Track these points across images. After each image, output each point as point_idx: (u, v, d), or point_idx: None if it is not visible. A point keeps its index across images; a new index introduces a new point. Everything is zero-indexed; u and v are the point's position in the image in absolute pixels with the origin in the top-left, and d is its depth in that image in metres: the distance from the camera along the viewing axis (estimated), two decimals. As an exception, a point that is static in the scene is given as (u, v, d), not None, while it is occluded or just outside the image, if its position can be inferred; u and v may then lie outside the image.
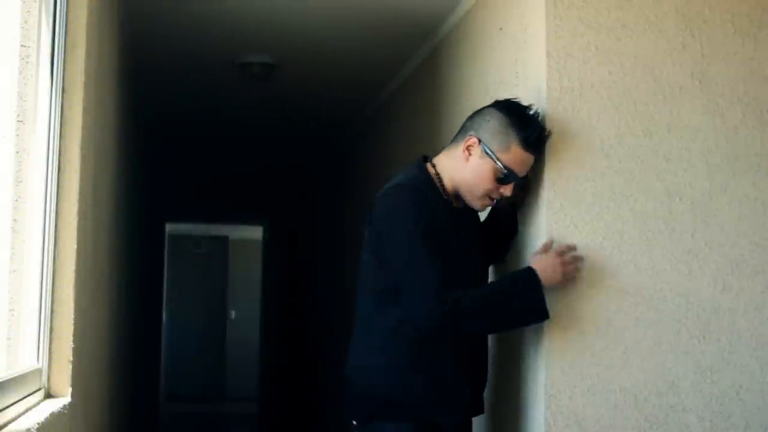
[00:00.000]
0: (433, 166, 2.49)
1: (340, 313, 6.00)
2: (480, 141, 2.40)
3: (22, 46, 1.92)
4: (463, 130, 2.48)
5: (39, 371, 2.05)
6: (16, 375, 1.82)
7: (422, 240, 2.33)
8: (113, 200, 3.37)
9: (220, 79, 4.67)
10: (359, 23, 3.74)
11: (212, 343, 12.72)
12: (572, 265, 2.41)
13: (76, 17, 2.20)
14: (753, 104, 2.57)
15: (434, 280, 2.29)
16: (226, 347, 12.84)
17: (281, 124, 5.97)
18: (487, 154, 2.38)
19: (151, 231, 7.51)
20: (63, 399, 2.10)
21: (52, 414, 1.86)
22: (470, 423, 2.55)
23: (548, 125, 2.46)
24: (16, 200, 1.91)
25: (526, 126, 2.37)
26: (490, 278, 2.78)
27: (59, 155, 2.14)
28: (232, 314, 12.97)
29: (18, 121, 1.91)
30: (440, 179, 2.46)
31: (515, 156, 2.37)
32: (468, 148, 2.42)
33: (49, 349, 2.11)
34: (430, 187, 2.44)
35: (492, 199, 2.45)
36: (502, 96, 2.83)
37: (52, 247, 2.10)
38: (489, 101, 2.97)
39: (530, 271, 2.38)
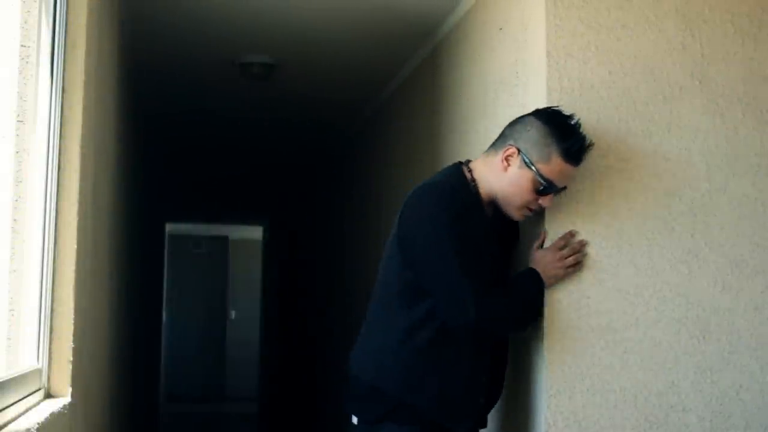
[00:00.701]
0: (470, 171, 2.44)
1: (340, 313, 6.00)
2: (519, 151, 2.34)
3: (22, 46, 1.92)
4: (502, 138, 2.42)
5: (39, 371, 2.05)
6: (16, 375, 1.82)
7: (458, 239, 2.30)
8: (113, 200, 3.37)
9: (220, 79, 4.67)
10: (359, 23, 3.74)
11: (212, 343, 12.72)
12: (572, 257, 2.41)
13: (76, 17, 2.20)
14: (753, 104, 2.57)
15: (469, 282, 2.27)
16: (226, 347, 12.84)
17: (281, 124, 5.97)
18: (527, 164, 2.33)
19: (151, 231, 7.51)
20: (63, 399, 2.10)
21: (52, 414, 1.86)
22: None
23: (548, 125, 2.46)
24: (16, 200, 1.91)
25: (568, 137, 2.32)
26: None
27: (59, 155, 2.14)
28: (232, 314, 12.97)
29: (18, 121, 1.91)
30: (475, 185, 2.42)
31: (555, 167, 2.32)
32: (507, 158, 2.36)
33: (49, 349, 2.11)
34: (465, 191, 2.40)
35: (530, 210, 2.40)
36: (503, 96, 2.83)
37: (52, 247, 2.10)
38: (489, 101, 2.98)
39: (533, 272, 2.39)
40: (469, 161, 2.48)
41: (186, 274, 12.55)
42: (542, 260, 2.40)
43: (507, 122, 2.72)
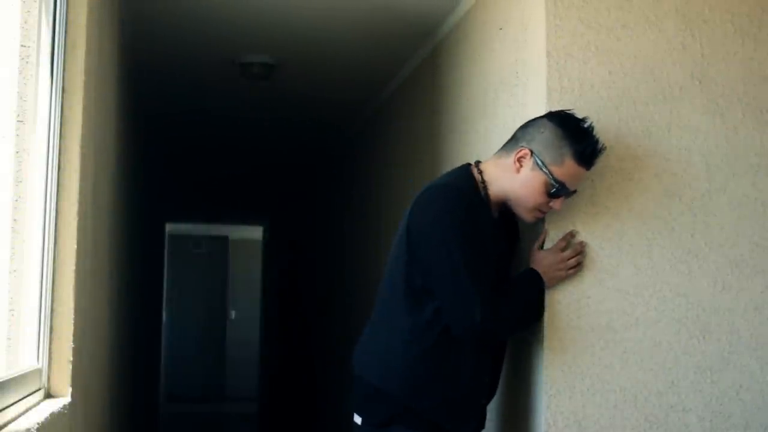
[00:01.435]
0: (480, 172, 2.44)
1: (340, 313, 6.00)
2: (532, 153, 2.33)
3: (22, 46, 1.92)
4: (514, 140, 2.41)
5: (39, 371, 2.05)
6: (16, 375, 1.82)
7: (466, 242, 2.29)
8: (113, 200, 3.37)
9: (220, 79, 4.67)
10: (359, 23, 3.74)
11: (212, 343, 12.71)
12: (573, 259, 2.41)
13: (76, 17, 2.20)
14: (753, 104, 2.57)
15: (476, 286, 2.27)
16: (226, 347, 12.84)
17: (281, 124, 5.97)
18: (540, 166, 2.33)
19: (151, 231, 7.50)
20: (63, 399, 2.10)
21: (52, 414, 1.86)
22: None
23: (548, 125, 2.46)
24: (16, 200, 1.91)
25: (581, 139, 2.31)
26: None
27: (59, 155, 2.14)
28: (232, 314, 12.97)
29: (18, 121, 1.91)
30: (485, 186, 2.42)
31: (568, 170, 2.32)
32: (519, 160, 2.35)
33: (49, 349, 2.11)
34: (474, 192, 2.39)
35: (542, 212, 2.40)
36: (503, 96, 2.83)
37: (52, 247, 2.10)
38: (489, 101, 2.98)
39: (534, 274, 2.39)
40: (479, 162, 2.48)
41: (186, 274, 12.55)
42: (543, 261, 2.39)
43: (507, 122, 2.72)
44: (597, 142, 2.34)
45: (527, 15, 2.65)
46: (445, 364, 2.35)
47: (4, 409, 1.67)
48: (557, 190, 2.33)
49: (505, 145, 2.44)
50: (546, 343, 2.42)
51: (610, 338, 2.44)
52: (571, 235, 2.43)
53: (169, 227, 10.80)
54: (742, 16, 2.59)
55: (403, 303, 2.39)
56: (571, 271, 2.42)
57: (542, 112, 2.47)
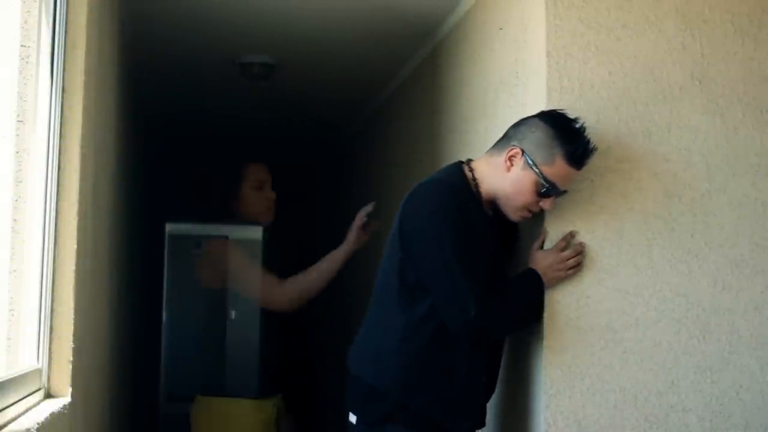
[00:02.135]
0: (471, 170, 2.45)
1: (340, 313, 6.00)
2: (523, 152, 2.34)
3: (22, 46, 1.92)
4: (505, 139, 2.42)
5: (39, 371, 2.05)
6: (16, 375, 1.82)
7: (459, 238, 2.30)
8: (113, 200, 3.37)
9: (220, 79, 4.67)
10: (359, 23, 3.74)
11: (212, 343, 12.68)
12: (573, 260, 2.41)
13: (76, 17, 2.20)
14: (753, 104, 2.57)
15: (469, 282, 2.27)
16: (226, 347, 12.80)
17: (281, 124, 5.97)
18: (530, 166, 2.33)
19: (151, 231, 7.50)
20: (63, 399, 2.10)
21: (52, 414, 1.86)
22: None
23: (548, 125, 2.46)
24: (16, 200, 1.91)
25: (573, 140, 2.32)
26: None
27: (59, 155, 2.14)
28: (232, 314, 12.94)
29: (18, 121, 1.90)
30: (476, 184, 2.42)
31: (559, 170, 2.33)
32: (510, 159, 2.36)
33: (49, 349, 2.11)
34: (466, 190, 2.40)
35: (530, 212, 2.41)
36: (503, 96, 2.83)
37: (52, 247, 2.09)
38: (489, 101, 2.98)
39: (534, 274, 2.38)
40: (470, 160, 2.48)
41: (186, 274, 12.53)
42: (543, 262, 2.39)
43: (507, 122, 2.72)
44: (588, 142, 2.34)
45: (527, 15, 2.65)
46: (440, 361, 2.35)
47: (4, 409, 1.67)
48: (547, 190, 2.34)
49: (496, 144, 2.45)
50: (546, 343, 2.42)
51: (610, 338, 2.44)
52: (571, 235, 2.43)
53: (169, 227, 10.79)
54: (742, 16, 2.59)
55: (396, 300, 2.39)
56: (570, 272, 2.41)
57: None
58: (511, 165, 2.36)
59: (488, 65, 3.03)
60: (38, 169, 2.04)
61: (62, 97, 2.15)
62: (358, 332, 2.55)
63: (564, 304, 2.43)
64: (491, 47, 3.00)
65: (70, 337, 2.13)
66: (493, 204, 2.44)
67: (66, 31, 2.18)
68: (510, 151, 2.36)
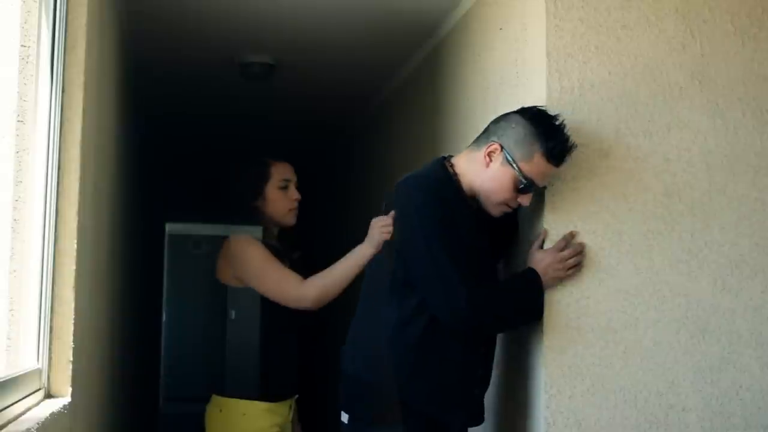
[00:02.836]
0: (451, 165, 2.46)
1: (339, 313, 6.00)
2: (502, 148, 2.35)
3: (22, 46, 1.92)
4: (486, 134, 2.43)
5: (39, 371, 2.05)
6: (16, 375, 1.82)
7: (446, 231, 2.31)
8: (113, 200, 3.37)
9: (220, 79, 4.67)
10: (359, 23, 3.74)
11: (212, 343, 12.68)
12: (573, 260, 2.41)
13: (76, 17, 2.20)
14: (753, 104, 2.57)
15: (459, 273, 2.28)
16: (226, 347, 12.79)
17: (281, 124, 5.97)
18: (509, 162, 2.34)
19: (151, 231, 7.50)
20: (63, 399, 2.10)
21: (52, 414, 1.85)
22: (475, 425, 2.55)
23: (548, 125, 2.46)
24: (16, 200, 1.91)
25: (552, 137, 2.32)
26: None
27: (59, 155, 2.14)
28: (232, 314, 12.93)
29: (18, 121, 1.90)
30: (457, 180, 2.43)
31: (537, 167, 2.33)
32: (489, 154, 2.37)
33: (49, 349, 2.10)
34: (449, 186, 2.41)
35: (509, 207, 2.42)
36: (503, 96, 2.83)
37: (52, 247, 2.10)
38: (489, 101, 2.97)
39: (533, 273, 2.38)
40: (451, 156, 2.49)
41: (186, 274, 12.54)
42: (543, 261, 2.39)
43: (507, 122, 2.72)
44: (567, 140, 2.34)
45: (527, 15, 2.65)
46: (432, 354, 2.36)
47: (4, 409, 1.67)
48: (525, 187, 2.34)
49: (477, 139, 2.46)
50: (546, 343, 2.42)
51: (610, 338, 2.44)
52: (571, 235, 2.43)
53: (169, 227, 10.79)
54: (742, 16, 2.59)
55: (387, 296, 2.41)
56: (570, 272, 2.41)
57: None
58: (490, 160, 2.37)
59: (488, 65, 3.03)
60: (38, 169, 2.04)
61: (62, 97, 2.15)
62: (349, 330, 2.57)
63: (564, 304, 2.43)
64: (491, 47, 3.00)
65: (70, 337, 2.13)
66: (475, 199, 2.45)
67: (66, 31, 2.18)
68: (489, 146, 2.37)
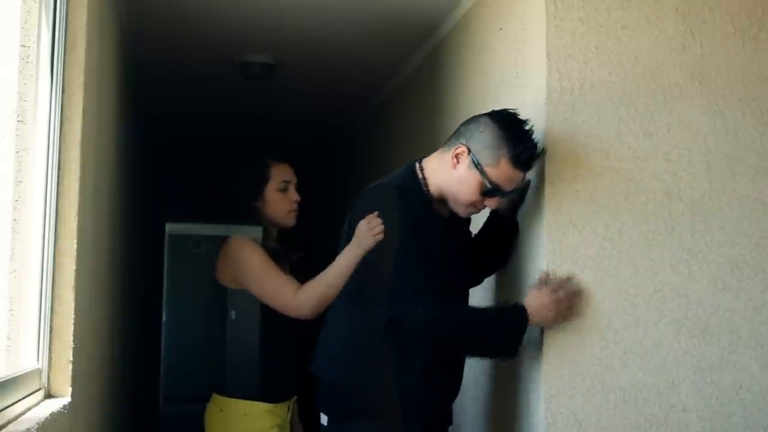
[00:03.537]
0: (421, 168, 2.46)
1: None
2: (469, 151, 2.35)
3: (22, 46, 1.92)
4: (455, 135, 2.43)
5: (39, 371, 2.05)
6: (16, 375, 1.82)
7: (410, 243, 2.32)
8: (113, 200, 3.37)
9: (220, 79, 4.67)
10: (359, 23, 3.74)
11: (212, 343, 12.66)
12: (567, 302, 2.37)
13: (76, 17, 2.20)
14: (753, 104, 2.57)
15: (419, 283, 2.29)
16: (226, 347, 12.78)
17: (281, 124, 5.97)
18: (475, 165, 2.34)
19: (151, 231, 7.51)
20: (63, 399, 2.10)
21: (52, 414, 1.85)
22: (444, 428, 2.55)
23: (548, 125, 2.46)
24: (16, 200, 1.91)
25: (519, 143, 2.31)
26: (492, 282, 2.78)
27: (59, 155, 2.14)
28: (232, 314, 12.91)
29: (18, 121, 1.90)
30: (426, 182, 2.43)
31: (503, 172, 2.33)
32: (456, 156, 2.37)
33: (49, 349, 2.10)
34: (415, 192, 2.41)
35: (477, 209, 2.43)
36: (503, 96, 2.83)
37: (52, 247, 2.10)
38: (489, 101, 2.97)
39: (521, 311, 2.34)
40: (423, 158, 2.49)
41: (186, 274, 12.54)
42: (536, 301, 2.35)
43: (507, 122, 2.71)
44: (535, 146, 2.34)
45: (527, 15, 2.65)
46: (392, 360, 2.36)
47: (4, 409, 1.67)
48: (490, 191, 2.34)
49: (448, 140, 2.46)
50: (546, 343, 2.42)
51: (610, 338, 2.44)
52: (568, 279, 2.40)
53: (169, 227, 10.79)
54: (742, 17, 2.59)
55: (352, 301, 2.45)
56: (563, 314, 2.37)
57: (542, 113, 2.47)
58: (458, 162, 2.37)
59: (488, 65, 3.03)
60: (38, 169, 2.04)
61: (62, 97, 2.15)
62: (319, 334, 2.60)
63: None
64: (491, 47, 3.00)
65: (70, 337, 2.13)
66: (445, 201, 2.45)
67: (66, 31, 2.18)
68: (457, 149, 2.38)
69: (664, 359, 2.46)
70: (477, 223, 2.65)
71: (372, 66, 4.36)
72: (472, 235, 2.63)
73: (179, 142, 6.78)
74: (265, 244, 3.01)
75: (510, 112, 2.37)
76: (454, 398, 2.56)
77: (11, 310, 1.91)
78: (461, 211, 2.44)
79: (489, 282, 2.79)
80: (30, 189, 1.99)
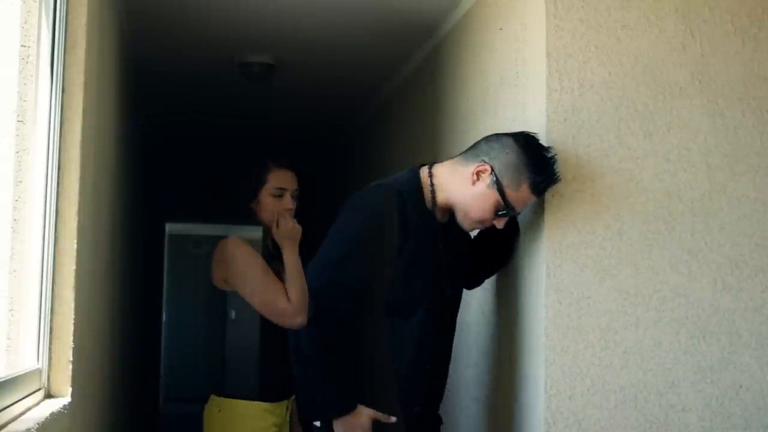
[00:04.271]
0: (431, 175, 2.46)
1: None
2: (492, 170, 2.36)
3: (22, 46, 1.92)
4: (476, 151, 2.43)
5: (39, 371, 2.05)
6: (16, 375, 1.82)
7: (359, 245, 2.37)
8: (113, 200, 3.37)
9: (220, 79, 4.67)
10: (359, 23, 3.74)
11: (212, 343, 12.66)
12: None
13: (76, 17, 2.20)
14: (753, 104, 2.57)
15: (325, 299, 2.35)
16: (226, 347, 12.78)
17: (281, 124, 5.97)
18: (496, 186, 2.35)
19: (151, 231, 7.51)
20: (63, 399, 2.10)
21: (52, 414, 1.85)
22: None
23: (548, 125, 2.46)
24: (16, 200, 1.91)
25: (542, 171, 2.34)
26: (492, 282, 2.78)
27: (59, 155, 2.14)
28: (232, 314, 12.90)
29: (18, 121, 1.90)
30: (433, 190, 2.44)
31: (521, 195, 2.36)
32: (478, 173, 2.38)
33: (49, 349, 2.10)
34: (414, 196, 2.42)
35: (483, 226, 2.46)
36: (503, 96, 2.83)
37: (52, 247, 2.09)
38: (489, 101, 2.97)
39: (338, 408, 2.38)
40: (434, 164, 2.49)
41: (186, 274, 12.54)
42: (347, 423, 2.37)
43: (507, 122, 2.72)
44: (555, 174, 2.37)
45: (527, 15, 2.65)
46: (338, 361, 2.40)
47: (4, 409, 1.67)
48: (505, 212, 2.37)
49: (465, 153, 2.45)
50: (546, 343, 2.42)
51: (610, 338, 2.44)
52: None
53: (169, 227, 10.79)
54: (742, 16, 2.59)
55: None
56: None
57: (542, 112, 2.47)
58: (478, 179, 2.38)
59: (488, 65, 3.03)
60: (38, 169, 2.04)
61: (62, 97, 2.15)
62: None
63: (565, 305, 2.43)
64: (491, 47, 3.00)
65: (70, 337, 2.13)
66: (451, 212, 2.46)
67: (66, 31, 2.18)
68: (479, 165, 2.38)
69: (664, 359, 2.46)
70: (477, 223, 2.65)
71: (372, 66, 4.36)
72: (472, 238, 2.63)
73: (179, 142, 6.78)
74: (264, 245, 3.00)
75: (533, 136, 2.39)
76: (432, 409, 2.54)
77: (11, 310, 1.91)
78: (467, 226, 2.45)
79: (489, 282, 2.79)
80: (30, 189, 1.99)
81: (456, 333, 2.61)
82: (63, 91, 2.15)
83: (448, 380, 2.61)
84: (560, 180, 2.40)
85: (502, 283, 2.74)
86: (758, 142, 2.57)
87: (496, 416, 2.73)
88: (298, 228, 2.54)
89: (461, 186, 2.40)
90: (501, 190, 2.34)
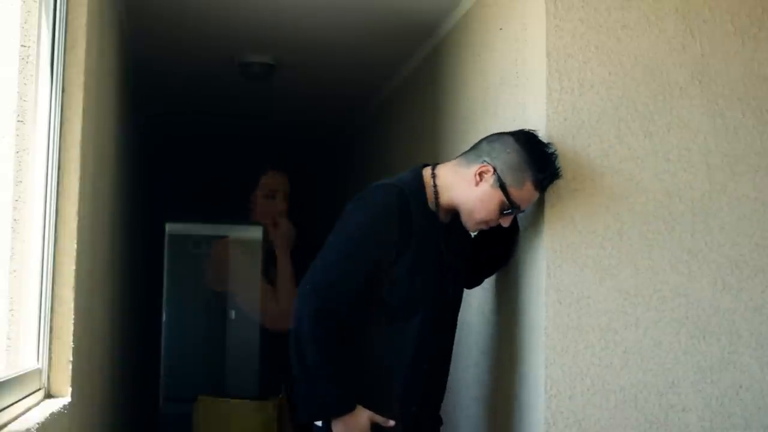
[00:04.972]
0: (434, 176, 2.47)
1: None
2: (495, 170, 2.37)
3: (22, 46, 1.92)
4: (477, 151, 2.43)
5: (39, 371, 2.05)
6: (16, 375, 1.82)
7: (363, 244, 2.35)
8: (113, 200, 3.37)
9: (220, 79, 4.67)
10: (359, 23, 3.74)
11: (212, 343, 12.65)
12: None
13: (76, 17, 2.20)
14: (753, 104, 2.57)
15: (332, 286, 2.32)
16: (226, 347, 12.78)
17: (281, 124, 5.97)
18: (499, 186, 2.36)
19: (151, 231, 7.50)
20: (63, 399, 2.10)
21: (52, 414, 1.86)
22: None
23: (548, 125, 2.46)
24: (16, 200, 1.91)
25: (544, 168, 2.35)
26: (492, 282, 2.78)
27: (59, 155, 2.14)
28: (232, 314, 12.91)
29: (18, 121, 1.90)
30: (436, 191, 2.44)
31: (526, 193, 2.37)
32: (480, 174, 2.38)
33: (49, 349, 2.11)
34: (418, 196, 2.41)
35: (488, 226, 2.45)
36: (503, 96, 2.83)
37: (52, 247, 2.10)
38: (489, 101, 2.97)
39: (335, 407, 2.33)
40: (437, 164, 2.49)
41: (186, 274, 12.52)
42: (349, 423, 2.34)
43: (507, 122, 2.72)
44: (557, 170, 2.38)
45: (527, 15, 2.65)
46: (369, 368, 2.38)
47: (4, 409, 1.67)
48: (511, 211, 2.37)
49: (467, 154, 2.46)
50: (546, 343, 2.42)
51: (610, 338, 2.44)
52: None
53: (169, 227, 10.78)
54: (742, 16, 2.59)
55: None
56: None
57: (542, 112, 2.47)
58: (481, 180, 2.39)
59: (488, 65, 3.03)
60: (38, 169, 2.04)
61: (62, 97, 2.15)
62: None
63: (564, 305, 2.43)
64: (491, 47, 3.00)
65: (70, 337, 2.13)
66: (453, 212, 2.45)
67: (66, 31, 2.18)
68: (481, 166, 2.39)
69: (664, 359, 2.46)
70: (477, 223, 2.65)
71: (372, 66, 4.36)
72: (472, 237, 2.64)
73: (179, 142, 6.78)
74: (265, 244, 3.03)
75: (533, 133, 2.40)
76: (431, 411, 2.53)
77: (11, 310, 1.91)
78: (471, 226, 2.46)
79: (489, 282, 2.79)
80: (30, 189, 1.99)
81: (456, 333, 2.61)
82: (63, 91, 2.15)
83: (448, 380, 2.61)
84: (562, 175, 2.41)
85: (502, 282, 2.74)
86: (758, 142, 2.57)
87: (496, 416, 2.73)
88: (293, 229, 2.58)
89: (465, 187, 2.41)
90: (505, 190, 2.35)
